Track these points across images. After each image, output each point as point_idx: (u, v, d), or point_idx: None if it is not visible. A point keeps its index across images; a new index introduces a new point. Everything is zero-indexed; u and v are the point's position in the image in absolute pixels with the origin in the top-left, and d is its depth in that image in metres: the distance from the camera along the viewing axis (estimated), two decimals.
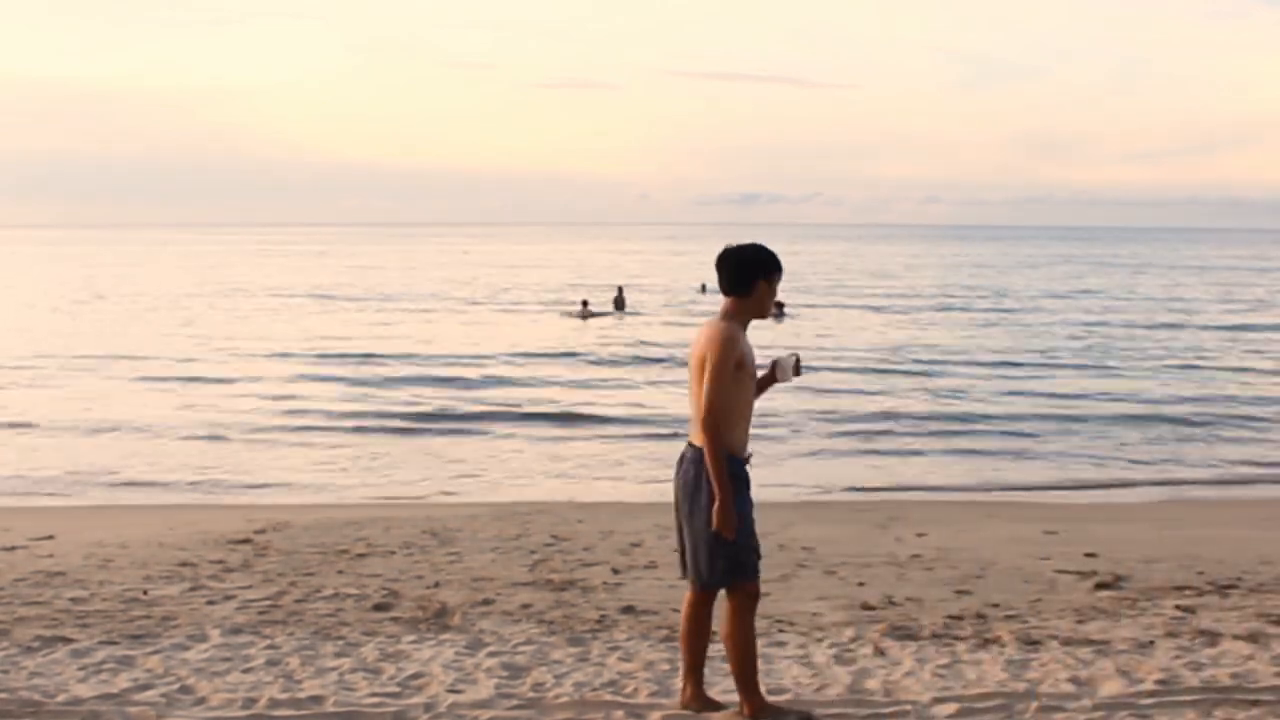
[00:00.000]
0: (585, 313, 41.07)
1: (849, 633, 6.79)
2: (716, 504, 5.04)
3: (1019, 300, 48.38)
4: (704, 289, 44.22)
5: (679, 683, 5.61)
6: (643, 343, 31.70)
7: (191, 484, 14.28)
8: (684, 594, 5.41)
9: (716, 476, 5.04)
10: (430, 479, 14.59)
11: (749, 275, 5.23)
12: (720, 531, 5.06)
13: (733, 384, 5.11)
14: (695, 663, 5.42)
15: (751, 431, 5.28)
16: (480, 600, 7.57)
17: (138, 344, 30.45)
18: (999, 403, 20.95)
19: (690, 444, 5.23)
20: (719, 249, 5.30)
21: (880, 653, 6.39)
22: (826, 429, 18.00)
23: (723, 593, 5.25)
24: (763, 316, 5.28)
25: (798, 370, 5.61)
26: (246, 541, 9.49)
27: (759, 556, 5.26)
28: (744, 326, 5.21)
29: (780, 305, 40.27)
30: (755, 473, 5.26)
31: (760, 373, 5.41)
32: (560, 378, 24.54)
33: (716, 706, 5.40)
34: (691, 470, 5.17)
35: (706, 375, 5.07)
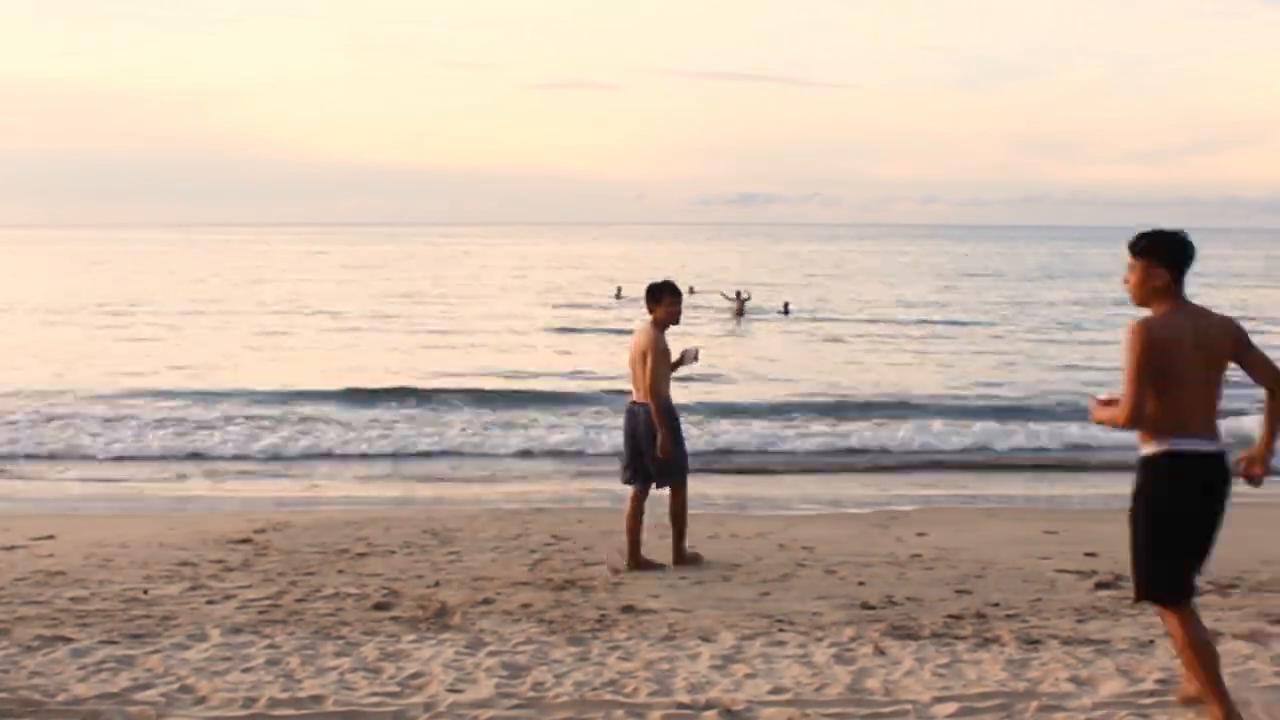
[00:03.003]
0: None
1: (849, 632, 6.79)
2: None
3: None
4: (787, 309, 42.06)
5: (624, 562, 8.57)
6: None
7: None
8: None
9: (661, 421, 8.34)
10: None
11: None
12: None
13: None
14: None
15: None
16: (480, 600, 7.58)
17: None
18: None
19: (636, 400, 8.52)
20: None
21: (880, 652, 6.39)
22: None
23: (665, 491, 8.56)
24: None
25: (695, 357, 8.75)
26: (246, 541, 9.50)
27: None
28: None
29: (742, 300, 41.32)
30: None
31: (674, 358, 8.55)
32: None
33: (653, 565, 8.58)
34: (642, 415, 8.41)
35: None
